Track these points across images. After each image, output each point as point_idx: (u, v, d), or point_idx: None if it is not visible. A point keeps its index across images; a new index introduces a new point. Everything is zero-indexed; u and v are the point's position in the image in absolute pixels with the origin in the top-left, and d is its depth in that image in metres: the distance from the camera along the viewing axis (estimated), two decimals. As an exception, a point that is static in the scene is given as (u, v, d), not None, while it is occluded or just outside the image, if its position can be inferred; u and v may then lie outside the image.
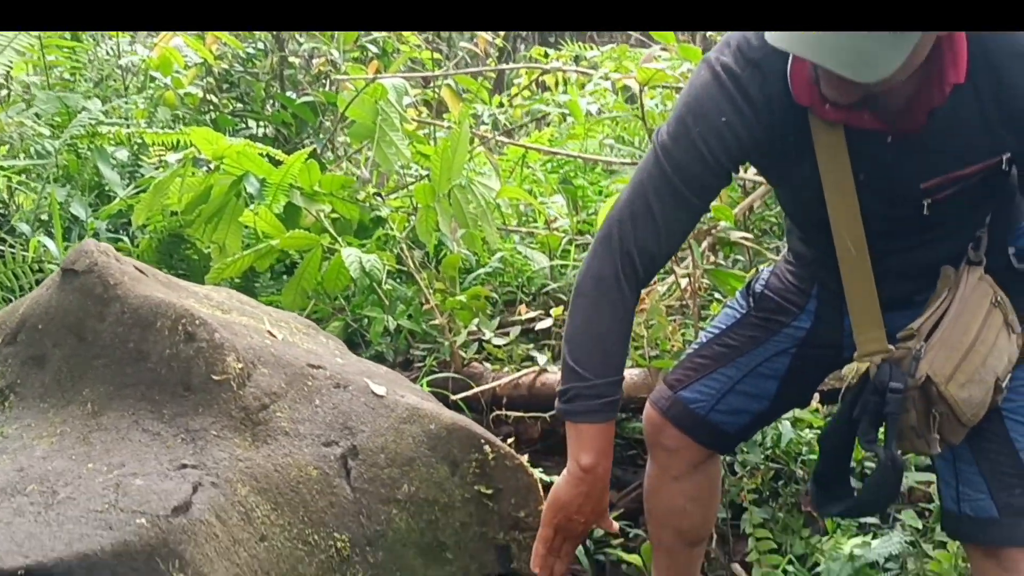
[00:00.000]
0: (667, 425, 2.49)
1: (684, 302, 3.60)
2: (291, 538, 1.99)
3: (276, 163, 3.82)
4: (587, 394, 2.15)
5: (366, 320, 3.75)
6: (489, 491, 2.15)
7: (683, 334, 3.45)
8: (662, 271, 3.98)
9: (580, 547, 3.26)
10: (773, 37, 1.89)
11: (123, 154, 4.41)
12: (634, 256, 2.14)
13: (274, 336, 2.34)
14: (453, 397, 3.37)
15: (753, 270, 3.62)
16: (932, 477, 3.21)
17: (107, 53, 5.46)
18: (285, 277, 3.93)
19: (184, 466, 1.94)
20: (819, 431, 3.33)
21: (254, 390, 2.11)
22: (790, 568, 2.86)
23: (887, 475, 2.13)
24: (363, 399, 2.19)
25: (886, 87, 1.88)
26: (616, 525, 2.29)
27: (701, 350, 2.50)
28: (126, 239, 4.00)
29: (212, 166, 3.84)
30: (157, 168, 4.33)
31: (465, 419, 2.26)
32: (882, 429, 2.16)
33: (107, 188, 4.24)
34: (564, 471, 2.18)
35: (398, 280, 3.95)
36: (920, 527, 3.04)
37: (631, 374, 3.44)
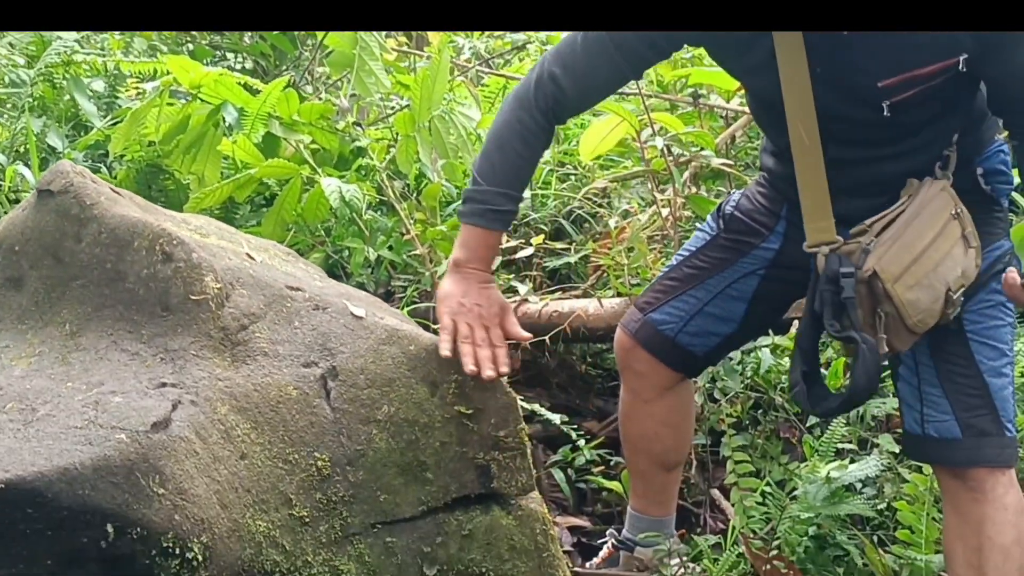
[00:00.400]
0: (636, 347, 2.50)
1: (665, 231, 3.60)
2: (271, 456, 1.99)
3: (254, 93, 3.78)
4: (476, 199, 2.27)
5: (347, 251, 3.74)
6: (469, 411, 2.15)
7: (663, 263, 3.45)
8: (643, 201, 3.98)
9: (561, 475, 3.30)
10: None
11: (99, 85, 4.37)
12: (548, 89, 2.24)
13: (252, 259, 2.32)
14: (434, 326, 3.37)
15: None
16: (910, 403, 3.24)
17: (82, -17, 5.37)
18: (265, 209, 3.91)
19: (163, 384, 1.94)
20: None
21: (233, 311, 2.10)
22: (767, 490, 2.89)
23: (866, 359, 2.14)
24: (342, 321, 2.18)
25: None
26: (526, 334, 2.31)
27: (671, 272, 2.51)
28: (104, 169, 3.97)
29: (190, 97, 3.81)
30: (134, 99, 4.28)
31: (444, 341, 2.26)
32: None
33: (84, 119, 4.20)
34: None
35: (379, 211, 3.94)
36: (896, 452, 3.07)
37: (611, 303, 3.45)
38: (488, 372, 2.11)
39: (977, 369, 2.22)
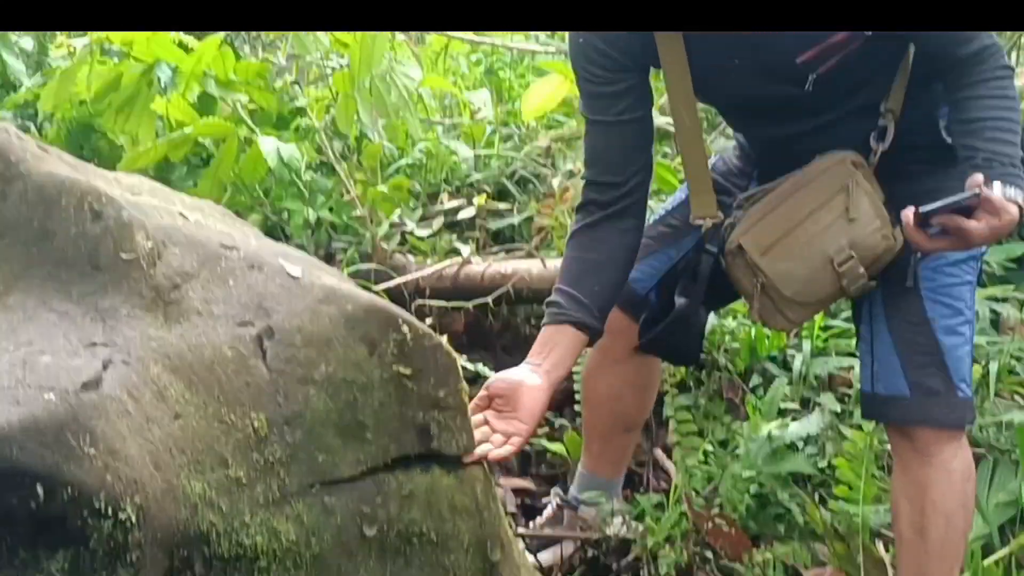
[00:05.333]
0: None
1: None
2: (206, 417, 1.95)
3: (188, 51, 3.69)
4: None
5: (286, 213, 3.68)
6: (408, 371, 2.12)
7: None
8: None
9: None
10: None
11: (28, 43, 4.25)
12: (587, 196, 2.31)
13: (186, 218, 2.27)
14: (375, 288, 3.33)
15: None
16: (851, 362, 3.26)
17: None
18: (202, 170, 3.84)
19: (94, 344, 1.88)
20: (743, 318, 3.36)
21: (165, 270, 2.04)
22: (709, 449, 2.90)
23: (678, 323, 2.27)
24: (278, 280, 2.13)
25: None
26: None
27: (647, 231, 2.50)
28: (34, 129, 3.88)
29: (122, 54, 3.71)
30: (65, 58, 4.17)
31: (383, 300, 2.22)
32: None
33: (12, 77, 4.10)
34: None
35: (319, 172, 3.88)
36: (839, 411, 3.09)
37: (554, 264, 3.43)
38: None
39: (930, 327, 2.19)
